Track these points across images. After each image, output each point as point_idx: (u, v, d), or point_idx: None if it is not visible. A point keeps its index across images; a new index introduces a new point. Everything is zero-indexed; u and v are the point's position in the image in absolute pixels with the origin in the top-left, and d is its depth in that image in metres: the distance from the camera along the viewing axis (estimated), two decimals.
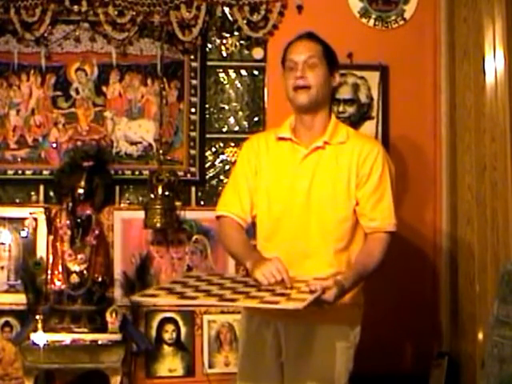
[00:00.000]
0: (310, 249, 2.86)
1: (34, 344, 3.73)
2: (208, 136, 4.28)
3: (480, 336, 3.71)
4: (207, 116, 4.28)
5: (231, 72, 4.30)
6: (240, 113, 4.31)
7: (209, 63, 4.28)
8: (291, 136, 2.96)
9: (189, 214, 4.19)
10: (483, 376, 2.87)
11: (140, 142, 4.23)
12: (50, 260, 4.00)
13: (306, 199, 2.88)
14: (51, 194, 4.13)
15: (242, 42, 4.29)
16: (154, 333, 4.19)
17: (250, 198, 3.00)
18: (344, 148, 2.91)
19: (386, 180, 2.89)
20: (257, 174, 2.99)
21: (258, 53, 4.29)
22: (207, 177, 4.27)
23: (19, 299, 4.03)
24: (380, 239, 2.86)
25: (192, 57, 4.25)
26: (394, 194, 2.92)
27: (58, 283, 3.92)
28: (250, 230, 3.05)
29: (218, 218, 3.07)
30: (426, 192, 4.34)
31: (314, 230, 2.87)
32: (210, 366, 4.21)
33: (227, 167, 4.23)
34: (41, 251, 4.08)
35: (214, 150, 4.29)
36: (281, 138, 2.98)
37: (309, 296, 2.51)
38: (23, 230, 4.11)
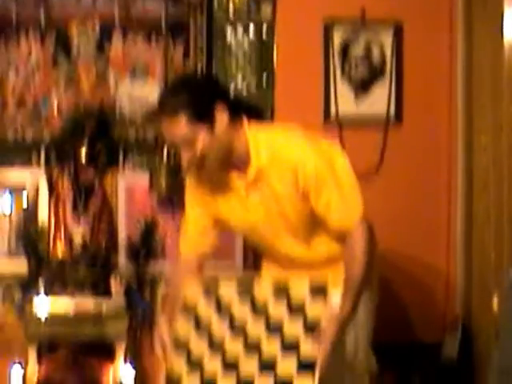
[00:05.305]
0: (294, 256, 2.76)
1: (37, 312, 3.68)
2: None
3: (495, 305, 3.65)
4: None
5: (239, 29, 4.15)
6: (248, 69, 4.16)
7: (215, 20, 4.13)
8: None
9: None
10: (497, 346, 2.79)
11: (145, 103, 4.10)
12: (52, 226, 3.92)
13: (264, 225, 2.69)
14: (52, 157, 4.03)
15: None
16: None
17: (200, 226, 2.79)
18: (272, 169, 2.60)
19: (325, 179, 2.58)
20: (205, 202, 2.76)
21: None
22: None
23: (21, 267, 3.94)
24: (352, 238, 2.60)
25: (198, 14, 4.10)
26: (348, 183, 2.61)
27: (60, 249, 3.85)
28: None
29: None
30: (439, 152, 4.21)
31: (288, 240, 2.72)
32: None
33: None
34: (42, 218, 3.99)
35: None
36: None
37: None
38: (24, 196, 4.01)
